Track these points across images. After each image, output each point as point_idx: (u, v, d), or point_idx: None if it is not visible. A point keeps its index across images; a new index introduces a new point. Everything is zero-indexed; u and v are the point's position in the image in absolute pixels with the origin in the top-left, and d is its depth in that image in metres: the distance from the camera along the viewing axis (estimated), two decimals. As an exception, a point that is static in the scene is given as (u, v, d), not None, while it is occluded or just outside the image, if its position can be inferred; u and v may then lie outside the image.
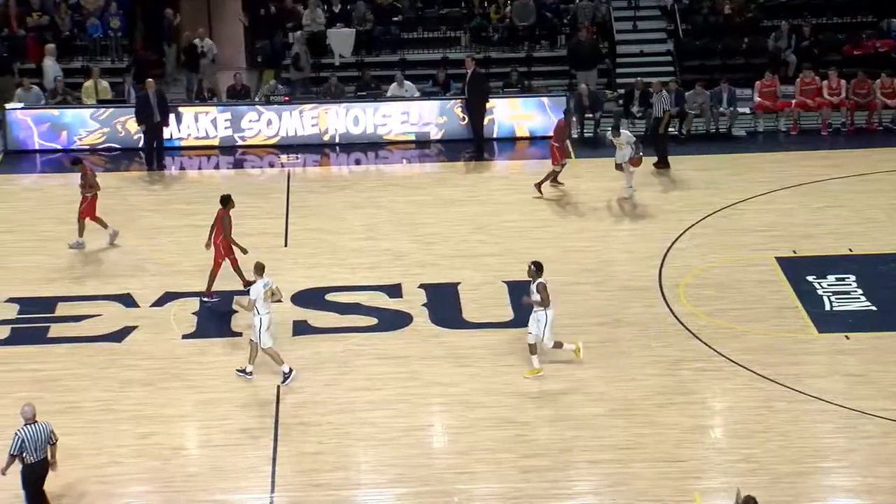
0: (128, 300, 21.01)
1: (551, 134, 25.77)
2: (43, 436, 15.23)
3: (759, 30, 31.06)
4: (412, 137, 28.27)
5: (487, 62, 30.59)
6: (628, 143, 24.57)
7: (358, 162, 27.95)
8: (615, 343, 19.89)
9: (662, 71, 29.85)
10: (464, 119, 27.94)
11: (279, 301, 19.30)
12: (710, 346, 19.70)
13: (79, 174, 22.97)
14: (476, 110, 27.58)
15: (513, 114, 28.56)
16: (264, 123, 28.08)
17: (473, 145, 27.65)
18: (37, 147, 27.71)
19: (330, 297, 21.28)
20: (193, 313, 20.68)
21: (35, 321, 20.39)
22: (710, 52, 30.74)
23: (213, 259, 20.93)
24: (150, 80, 27.41)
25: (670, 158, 26.75)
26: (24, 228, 23.34)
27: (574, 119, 27.75)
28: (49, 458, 15.39)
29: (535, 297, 18.76)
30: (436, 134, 28.30)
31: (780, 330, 20.23)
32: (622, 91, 29.29)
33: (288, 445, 17.28)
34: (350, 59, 30.87)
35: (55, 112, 27.82)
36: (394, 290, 21.49)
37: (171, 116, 27.39)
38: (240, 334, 20.10)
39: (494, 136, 28.34)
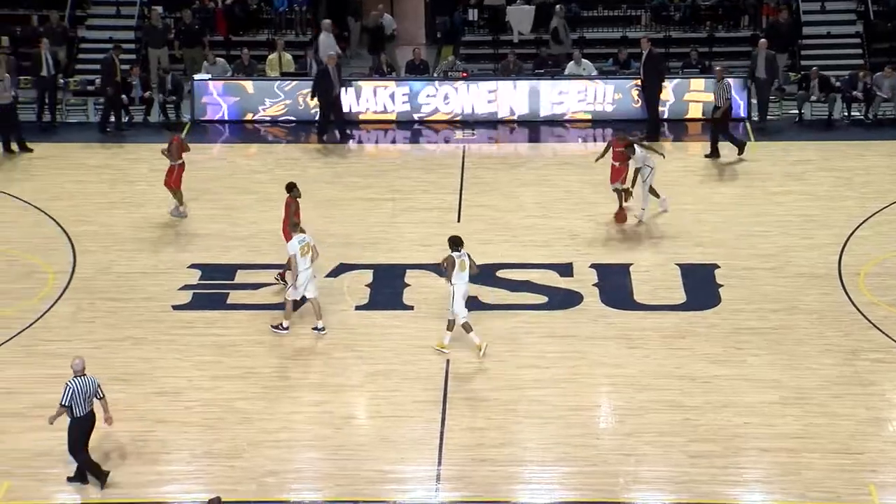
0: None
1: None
2: (91, 389, 15.66)
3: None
4: (588, 116, 28.06)
5: (667, 42, 30.20)
6: (644, 163, 22.60)
7: (533, 140, 27.88)
8: (790, 330, 19.47)
9: (850, 53, 29.01)
10: (637, 101, 27.59)
11: (315, 258, 19.38)
12: (891, 338, 19.12)
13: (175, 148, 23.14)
14: (651, 91, 27.22)
15: (690, 94, 28.09)
16: (441, 99, 28.19)
17: (647, 125, 27.30)
18: (222, 117, 28.31)
19: (501, 273, 21.27)
20: (367, 285, 20.90)
21: (216, 287, 20.86)
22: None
23: None
24: (331, 54, 27.74)
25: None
26: (206, 197, 23.92)
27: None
28: (104, 412, 15.86)
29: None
30: (611, 113, 28.04)
31: (964, 324, 19.59)
32: (802, 74, 28.52)
33: (455, 419, 17.36)
34: (529, 37, 30.75)
35: (240, 83, 28.36)
36: (565, 269, 21.38)
37: (350, 90, 27.69)
38: (411, 307, 20.26)
39: (668, 116, 27.94)
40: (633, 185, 22.80)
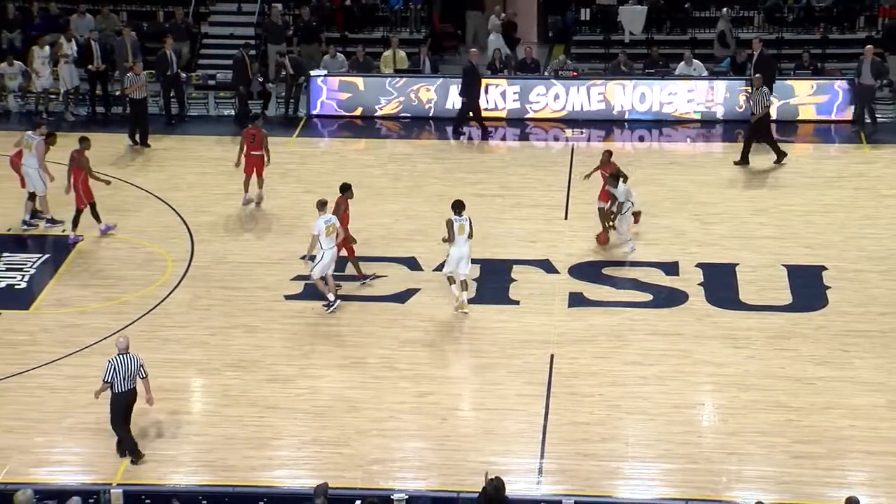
0: (412, 263, 21.41)
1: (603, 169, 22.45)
2: (133, 367, 15.92)
3: None
4: (698, 116, 27.78)
5: (780, 43, 29.75)
6: (628, 197, 21.57)
7: (642, 139, 27.69)
8: (898, 334, 19.15)
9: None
10: (742, 105, 27.19)
11: (340, 238, 19.78)
12: None
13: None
14: None
15: (801, 96, 27.66)
16: (552, 97, 28.12)
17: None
18: (337, 112, 28.55)
19: (606, 270, 21.18)
20: (473, 279, 20.94)
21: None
22: None
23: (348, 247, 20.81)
24: (473, 50, 27.84)
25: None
26: (320, 190, 24.06)
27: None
28: (146, 392, 16.12)
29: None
30: (721, 114, 27.74)
31: None
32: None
33: (559, 414, 17.32)
34: (640, 37, 30.52)
35: (353, 80, 28.55)
36: (670, 268, 21.21)
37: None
38: (517, 302, 20.25)
39: (778, 117, 27.52)
40: (614, 218, 21.90)
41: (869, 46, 27.10)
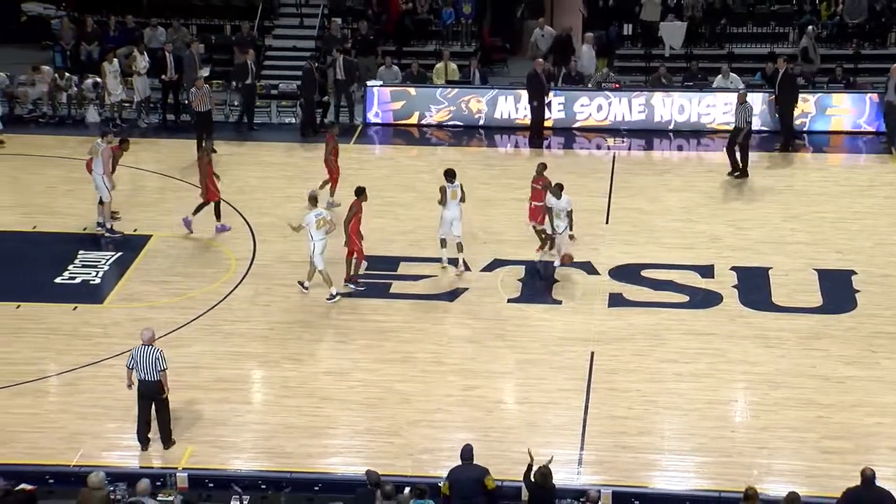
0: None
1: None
2: (149, 359, 15.94)
3: None
4: (733, 127, 27.56)
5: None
6: (566, 212, 20.67)
7: (680, 148, 27.51)
8: (925, 336, 18.93)
9: None
10: (773, 115, 27.04)
11: (331, 230, 20.08)
12: None
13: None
14: (787, 107, 26.58)
15: (834, 108, 27.40)
16: (595, 108, 28.01)
17: (782, 138, 26.70)
18: (391, 121, 28.59)
19: (645, 272, 21.10)
20: (519, 280, 20.92)
21: (379, 277, 21.04)
22: None
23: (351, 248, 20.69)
24: (539, 60, 27.88)
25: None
26: (373, 194, 24.11)
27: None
28: (163, 383, 16.10)
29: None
30: (756, 125, 27.51)
31: None
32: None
33: (598, 408, 17.29)
34: (679, 52, 30.37)
35: (407, 90, 28.60)
36: (706, 271, 21.10)
37: (510, 98, 27.72)
38: (559, 302, 20.23)
39: (808, 129, 27.27)
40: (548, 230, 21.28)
41: (895, 66, 26.80)
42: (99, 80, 28.16)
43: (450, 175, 20.94)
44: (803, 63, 28.63)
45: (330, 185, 23.68)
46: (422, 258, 21.48)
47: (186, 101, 26.97)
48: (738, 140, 24.83)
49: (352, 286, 20.63)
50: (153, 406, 16.18)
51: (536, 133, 27.32)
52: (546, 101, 27.27)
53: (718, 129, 27.46)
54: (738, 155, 24.86)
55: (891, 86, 26.17)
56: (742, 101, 25.05)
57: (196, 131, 26.26)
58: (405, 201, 24.08)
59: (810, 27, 29.17)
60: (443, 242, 20.93)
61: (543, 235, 21.58)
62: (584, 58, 29.09)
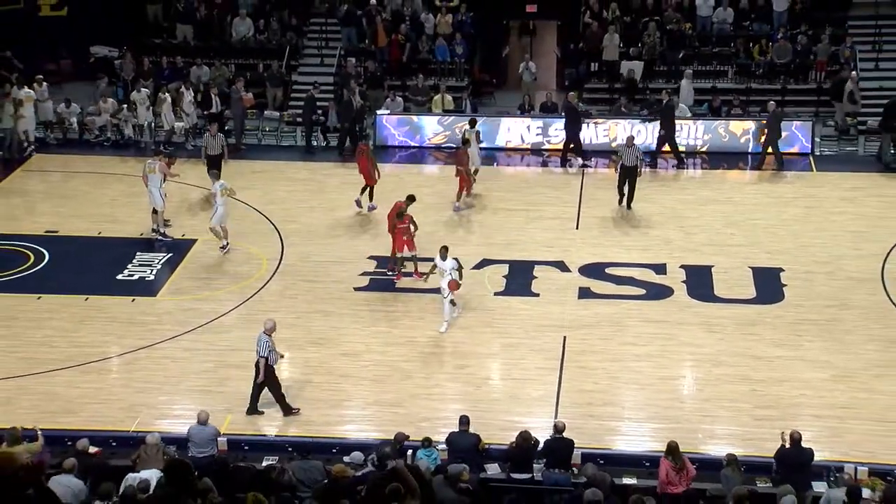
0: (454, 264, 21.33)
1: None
2: (259, 345, 16.15)
3: None
4: (683, 148, 27.46)
5: (749, 91, 29.46)
6: (452, 269, 18.87)
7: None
8: (840, 322, 18.98)
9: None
10: (725, 137, 26.94)
11: (232, 196, 21.64)
12: (922, 331, 18.49)
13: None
14: (668, 132, 26.30)
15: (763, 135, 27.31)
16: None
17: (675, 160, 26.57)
18: (397, 143, 28.53)
19: (609, 270, 21.11)
20: (503, 276, 20.93)
21: (386, 274, 21.00)
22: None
23: (397, 244, 20.67)
24: (572, 94, 27.63)
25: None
26: (382, 204, 24.21)
27: None
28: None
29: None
30: (701, 146, 27.50)
31: None
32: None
33: (569, 383, 17.33)
34: (638, 85, 30.28)
35: (410, 117, 28.54)
36: (660, 269, 21.12)
37: (498, 124, 27.67)
38: (537, 295, 20.22)
39: (751, 150, 27.18)
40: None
41: (771, 102, 26.69)
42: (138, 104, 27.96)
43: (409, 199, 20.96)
44: (848, 104, 27.19)
45: (367, 189, 23.69)
46: (422, 258, 21.45)
47: (203, 150, 25.12)
48: (625, 173, 23.55)
49: (390, 273, 20.72)
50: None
51: (572, 153, 26.67)
52: (580, 128, 26.71)
53: (667, 150, 27.38)
54: (625, 188, 23.67)
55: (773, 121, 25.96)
56: (629, 145, 23.79)
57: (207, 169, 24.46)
58: (410, 210, 23.94)
59: (854, 72, 27.84)
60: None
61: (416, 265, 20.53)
62: (683, 90, 28.19)
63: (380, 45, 30.74)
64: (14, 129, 26.97)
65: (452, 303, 18.84)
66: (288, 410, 16.40)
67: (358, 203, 23.70)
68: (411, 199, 20.82)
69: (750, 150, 27.10)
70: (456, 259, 19.02)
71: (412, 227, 20.51)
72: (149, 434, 14.54)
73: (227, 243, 21.60)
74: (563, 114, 27.18)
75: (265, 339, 16.28)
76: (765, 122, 26.39)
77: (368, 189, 23.71)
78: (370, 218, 23.45)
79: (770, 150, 26.12)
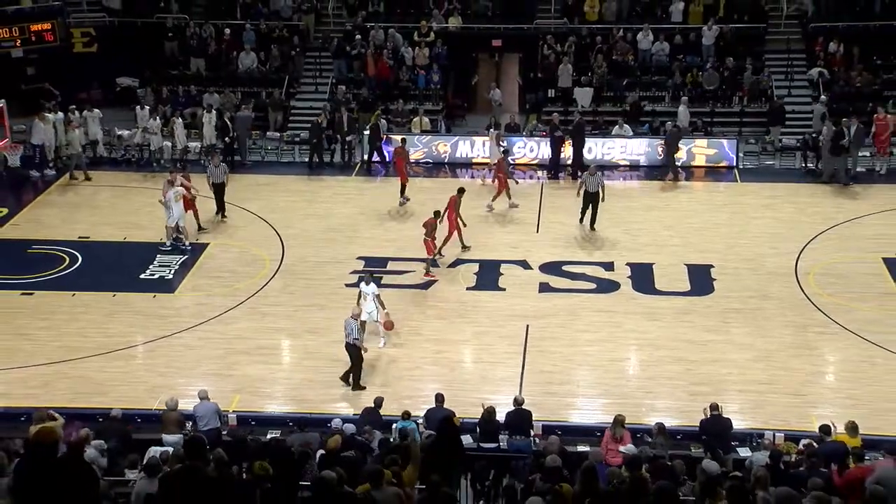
0: (435, 262, 21.20)
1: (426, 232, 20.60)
2: (346, 328, 16.33)
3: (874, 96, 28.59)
4: (627, 162, 27.67)
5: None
6: (372, 294, 17.78)
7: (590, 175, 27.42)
8: (761, 311, 19.15)
9: (811, 125, 27.96)
10: (661, 153, 27.11)
11: (194, 196, 22.03)
12: (829, 317, 18.73)
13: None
14: (577, 147, 26.43)
15: (698, 149, 27.48)
16: (528, 149, 28.00)
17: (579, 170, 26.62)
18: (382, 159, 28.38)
19: (565, 267, 21.20)
20: (474, 273, 20.98)
21: (374, 272, 20.88)
22: (844, 114, 28.20)
23: (448, 230, 21.08)
24: (579, 115, 27.55)
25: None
26: (371, 212, 24.16)
27: None
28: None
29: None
30: (643, 161, 27.63)
31: (883, 308, 18.99)
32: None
33: (531, 365, 17.41)
34: (588, 108, 30.40)
35: (393, 137, 28.39)
36: (608, 266, 21.22)
37: (467, 142, 27.64)
38: (504, 289, 20.26)
39: (683, 164, 27.29)
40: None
41: (669, 123, 26.93)
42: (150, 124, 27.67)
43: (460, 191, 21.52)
44: (844, 153, 25.18)
45: (402, 187, 23.96)
46: (406, 258, 21.49)
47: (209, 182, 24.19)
48: (599, 200, 22.92)
49: (434, 260, 20.73)
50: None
51: (575, 166, 26.45)
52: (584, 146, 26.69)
53: (616, 163, 27.48)
54: (588, 211, 23.07)
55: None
56: (593, 174, 23.07)
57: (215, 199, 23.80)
58: (392, 217, 24.06)
59: (845, 118, 25.70)
60: None
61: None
62: (681, 115, 27.69)
63: (370, 73, 30.68)
64: (80, 154, 26.52)
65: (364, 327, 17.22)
66: (360, 387, 16.43)
67: (403, 201, 23.94)
68: (462, 191, 21.35)
69: (682, 165, 27.15)
70: (376, 285, 18.22)
71: (435, 229, 20.53)
72: (169, 398, 14.79)
73: (181, 237, 21.65)
74: (555, 133, 26.77)
75: (352, 324, 16.30)
76: (664, 141, 26.52)
77: (401, 186, 23.86)
78: (357, 222, 23.43)
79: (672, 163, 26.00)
